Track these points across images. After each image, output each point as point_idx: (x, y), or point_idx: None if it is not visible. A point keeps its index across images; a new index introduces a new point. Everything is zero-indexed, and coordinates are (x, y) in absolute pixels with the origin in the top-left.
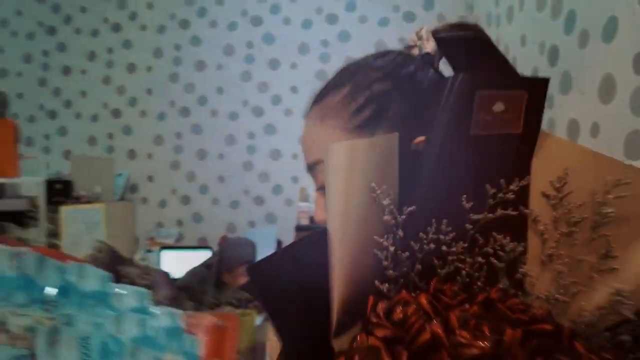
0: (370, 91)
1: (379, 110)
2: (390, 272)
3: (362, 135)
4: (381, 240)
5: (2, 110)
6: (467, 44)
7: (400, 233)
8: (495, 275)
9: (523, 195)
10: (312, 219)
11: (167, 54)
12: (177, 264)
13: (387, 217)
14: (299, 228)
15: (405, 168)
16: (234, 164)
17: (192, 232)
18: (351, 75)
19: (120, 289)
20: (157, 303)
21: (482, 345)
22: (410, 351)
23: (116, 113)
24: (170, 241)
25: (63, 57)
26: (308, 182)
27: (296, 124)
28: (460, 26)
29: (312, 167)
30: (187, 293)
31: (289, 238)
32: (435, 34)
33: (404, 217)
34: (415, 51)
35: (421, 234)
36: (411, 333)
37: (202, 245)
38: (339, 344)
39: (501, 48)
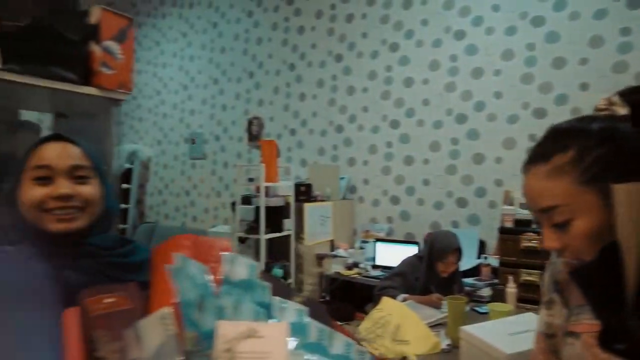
0: (596, 153)
1: (605, 167)
2: None
3: (594, 185)
4: None
5: (261, 131)
6: None
7: None
8: None
9: None
10: (521, 219)
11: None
12: (388, 254)
13: None
14: (503, 230)
15: None
16: (438, 168)
17: (401, 228)
18: (573, 140)
19: None
20: None
21: None
22: None
23: (339, 128)
24: (382, 234)
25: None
26: (513, 186)
27: (499, 128)
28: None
29: (546, 211)
30: (402, 278)
31: (491, 239)
32: (622, 97)
33: None
34: (606, 113)
35: None
36: None
37: (409, 240)
38: (633, 323)
39: None
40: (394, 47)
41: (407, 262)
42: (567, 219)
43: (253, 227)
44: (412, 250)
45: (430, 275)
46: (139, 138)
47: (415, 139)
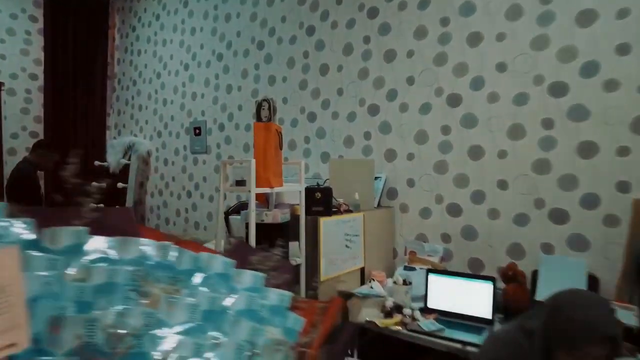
0: None
1: None
2: None
3: None
4: None
5: (273, 117)
6: None
7: None
8: None
9: None
10: None
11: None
12: (445, 291)
13: None
14: None
15: None
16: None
17: (463, 251)
18: None
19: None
20: (274, 286)
21: None
22: None
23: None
24: (435, 259)
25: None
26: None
27: (503, 112)
28: None
29: None
30: None
31: (610, 274)
32: None
33: None
34: None
35: None
36: None
37: (479, 275)
38: None
39: None
40: (373, 13)
41: (503, 343)
42: None
43: None
44: (483, 288)
45: None
46: (139, 129)
47: (397, 128)
